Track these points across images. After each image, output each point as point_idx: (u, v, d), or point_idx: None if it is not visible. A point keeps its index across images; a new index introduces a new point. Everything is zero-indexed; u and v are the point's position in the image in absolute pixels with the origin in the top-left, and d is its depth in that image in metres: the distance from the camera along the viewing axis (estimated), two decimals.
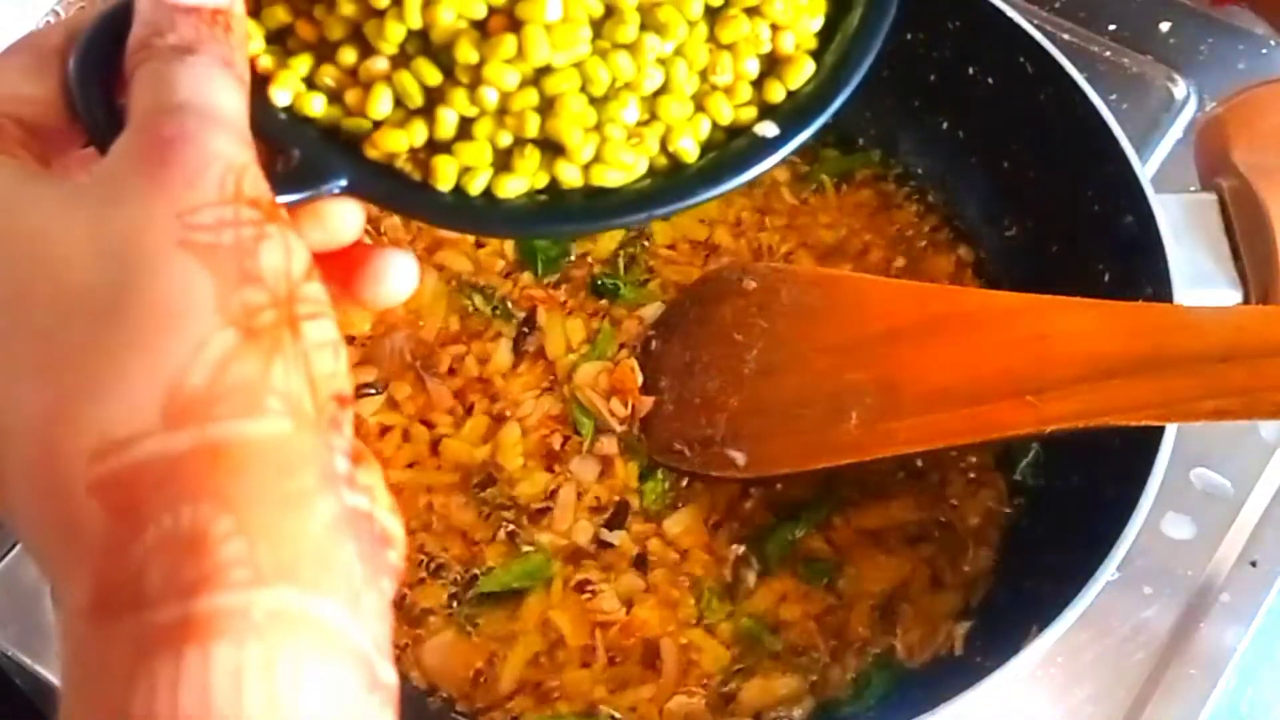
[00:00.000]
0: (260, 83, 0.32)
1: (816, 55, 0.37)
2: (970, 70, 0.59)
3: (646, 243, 0.61)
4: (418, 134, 0.33)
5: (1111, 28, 0.73)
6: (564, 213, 0.34)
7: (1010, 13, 0.57)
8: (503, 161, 0.34)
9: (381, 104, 0.33)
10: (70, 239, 0.25)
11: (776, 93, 0.36)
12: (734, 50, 0.35)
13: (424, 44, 0.33)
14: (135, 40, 0.28)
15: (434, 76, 0.33)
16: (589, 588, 0.53)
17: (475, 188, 0.33)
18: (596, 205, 0.34)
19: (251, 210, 0.26)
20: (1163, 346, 0.45)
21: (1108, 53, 0.73)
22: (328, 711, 0.22)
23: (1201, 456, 0.61)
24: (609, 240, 0.61)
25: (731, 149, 0.36)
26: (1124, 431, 0.45)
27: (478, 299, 0.60)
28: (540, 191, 0.34)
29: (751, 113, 0.36)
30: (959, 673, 0.45)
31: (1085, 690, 0.56)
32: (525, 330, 0.59)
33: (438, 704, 0.52)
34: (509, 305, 0.60)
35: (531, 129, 0.33)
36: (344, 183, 0.32)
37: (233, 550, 0.22)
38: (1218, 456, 0.61)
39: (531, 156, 0.33)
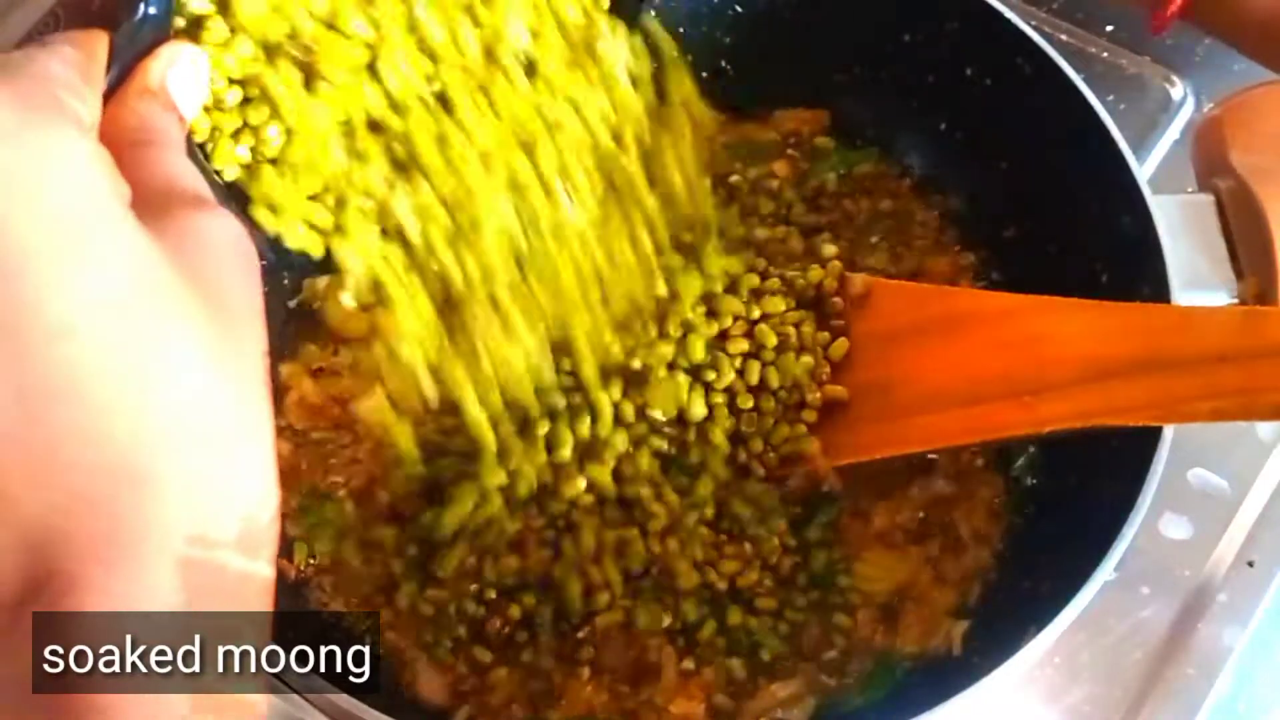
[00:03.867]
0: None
1: None
2: (968, 71, 0.59)
3: None
4: None
5: (1109, 29, 0.74)
6: None
7: (1008, 14, 0.57)
8: None
9: None
10: (189, 344, 0.27)
11: None
12: None
13: None
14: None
15: None
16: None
17: None
18: None
19: None
20: (1160, 347, 0.45)
21: (1105, 54, 0.73)
22: None
23: (1199, 457, 0.61)
24: None
25: None
26: (1121, 432, 0.45)
27: None
28: None
29: None
30: (957, 673, 0.45)
31: (1083, 690, 0.56)
32: None
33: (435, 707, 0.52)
34: None
35: None
36: None
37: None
38: (1215, 457, 0.61)
39: None
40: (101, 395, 0.25)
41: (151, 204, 0.28)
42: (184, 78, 0.34)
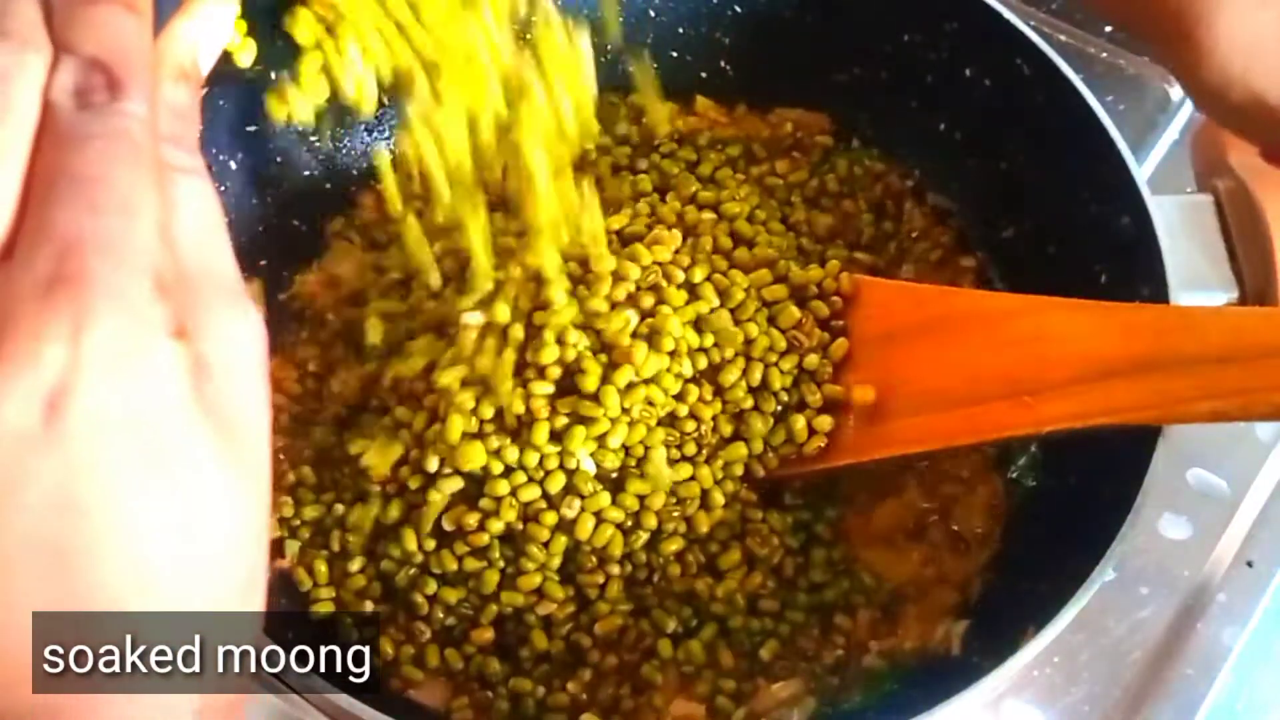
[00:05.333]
0: None
1: None
2: (968, 72, 0.59)
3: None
4: None
5: (1108, 29, 0.74)
6: None
7: (1007, 14, 0.57)
8: None
9: None
10: (227, 549, 0.27)
11: None
12: None
13: None
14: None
15: None
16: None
17: None
18: None
19: None
20: (1159, 347, 0.45)
21: (1104, 54, 0.73)
22: None
23: (1198, 457, 0.61)
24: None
25: None
26: (1121, 432, 0.45)
27: None
28: None
29: None
30: (956, 673, 0.45)
31: (1082, 690, 0.56)
32: None
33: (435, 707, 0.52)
34: None
35: None
36: None
37: None
38: (1214, 457, 0.61)
39: None
40: (142, 604, 0.26)
41: (185, 293, 0.27)
42: (212, 43, 0.32)
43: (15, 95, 0.26)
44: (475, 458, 0.50)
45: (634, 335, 0.52)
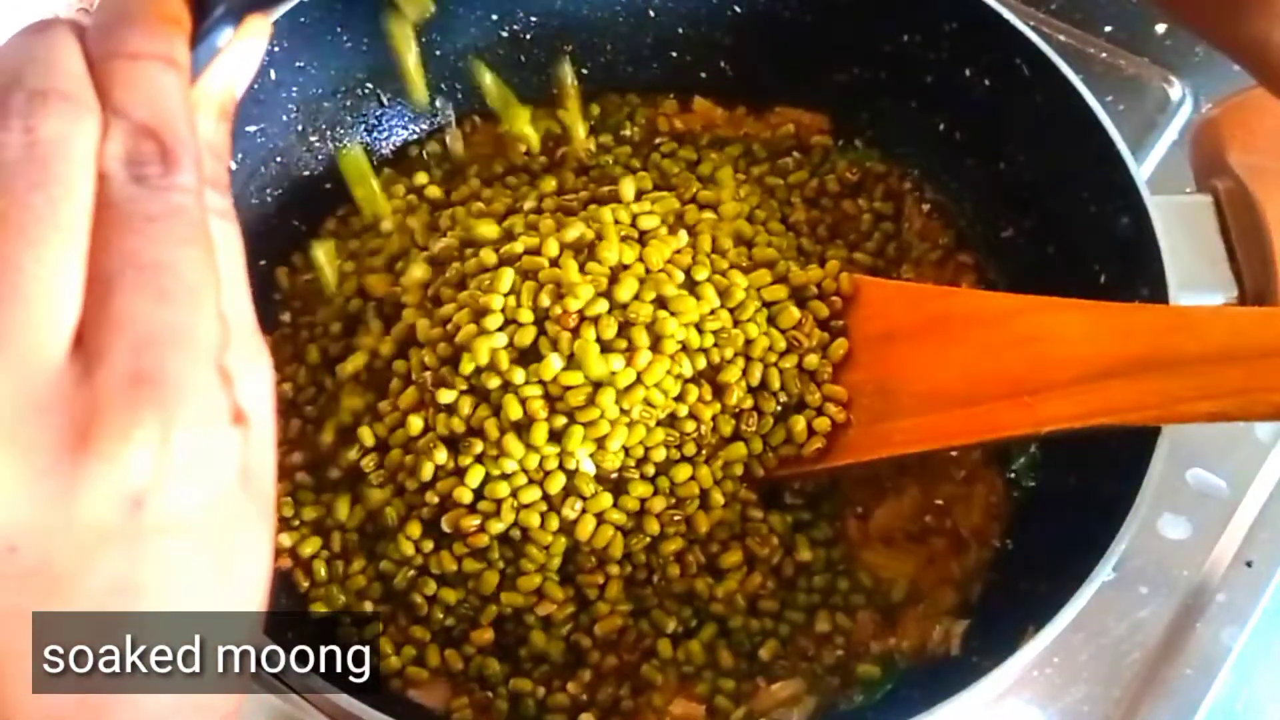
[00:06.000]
0: None
1: None
2: (967, 72, 0.59)
3: None
4: None
5: (1108, 29, 0.74)
6: None
7: (1007, 14, 0.57)
8: None
9: None
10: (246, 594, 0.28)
11: None
12: None
13: None
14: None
15: None
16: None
17: None
18: None
19: None
20: (1158, 347, 0.45)
21: (1104, 54, 0.73)
22: None
23: (1198, 457, 0.61)
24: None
25: None
26: (1120, 432, 0.45)
27: None
28: None
29: None
30: (955, 673, 0.45)
31: (1081, 690, 0.56)
32: None
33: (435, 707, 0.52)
34: None
35: None
36: None
37: None
38: (1214, 457, 0.61)
39: None
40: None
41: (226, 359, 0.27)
42: (247, 74, 0.31)
43: (75, 171, 0.25)
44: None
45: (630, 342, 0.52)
